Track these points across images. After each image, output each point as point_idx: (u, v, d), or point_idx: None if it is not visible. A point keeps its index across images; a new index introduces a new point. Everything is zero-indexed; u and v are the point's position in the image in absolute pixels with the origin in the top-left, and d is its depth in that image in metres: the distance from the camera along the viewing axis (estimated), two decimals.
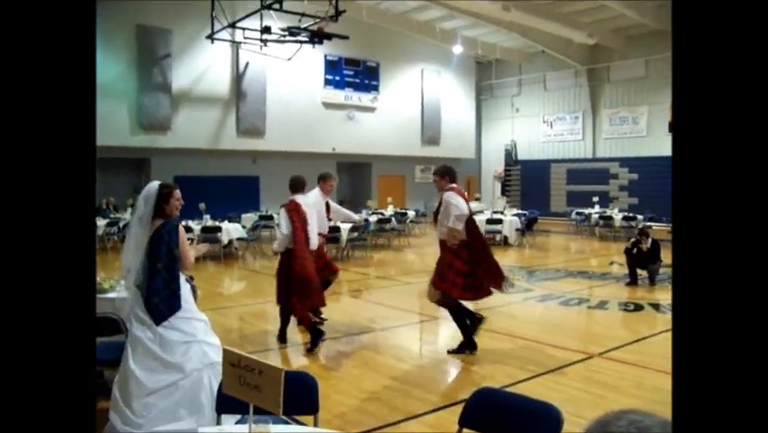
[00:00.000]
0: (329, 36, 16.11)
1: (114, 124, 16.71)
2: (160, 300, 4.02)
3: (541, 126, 26.30)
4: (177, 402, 3.91)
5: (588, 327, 8.15)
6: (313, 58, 20.21)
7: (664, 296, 9.42)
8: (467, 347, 6.32)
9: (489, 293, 6.31)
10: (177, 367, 3.99)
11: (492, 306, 9.12)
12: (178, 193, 4.25)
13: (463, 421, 2.81)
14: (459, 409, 2.88)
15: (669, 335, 7.10)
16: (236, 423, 3.06)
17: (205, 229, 13.34)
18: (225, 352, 2.10)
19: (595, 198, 20.12)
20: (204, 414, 3.86)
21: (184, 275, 4.26)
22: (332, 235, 12.73)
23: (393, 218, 16.67)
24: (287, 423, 3.43)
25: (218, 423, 2.88)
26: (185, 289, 4.23)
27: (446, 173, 6.43)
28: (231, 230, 13.92)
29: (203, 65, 18.73)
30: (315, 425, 2.86)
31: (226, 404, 2.83)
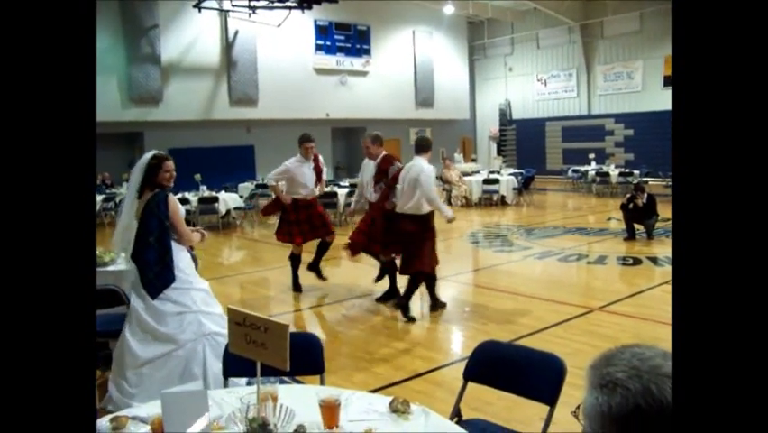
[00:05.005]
0: (318, 0, 15.91)
1: (105, 99, 16.49)
2: (154, 275, 4.03)
3: (535, 85, 26.09)
4: (169, 373, 3.97)
5: (587, 282, 8.22)
6: (302, 23, 19.93)
7: (662, 249, 9.47)
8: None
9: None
10: (169, 338, 4.04)
11: (492, 264, 9.19)
12: (169, 165, 4.20)
13: (468, 375, 2.84)
14: (463, 365, 2.91)
15: (667, 287, 7.18)
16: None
17: (202, 200, 13.33)
18: (230, 311, 2.11)
19: (591, 155, 20.07)
20: (196, 385, 3.88)
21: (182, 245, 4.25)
22: (329, 201, 12.73)
23: None
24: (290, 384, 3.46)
25: (225, 386, 2.91)
26: (185, 258, 4.22)
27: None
28: (228, 200, 13.90)
29: (191, 35, 18.44)
30: (321, 385, 2.89)
31: (233, 368, 2.86)
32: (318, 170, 7.27)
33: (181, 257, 4.18)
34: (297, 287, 7.45)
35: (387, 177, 6.54)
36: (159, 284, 4.04)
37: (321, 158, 7.52)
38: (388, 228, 6.39)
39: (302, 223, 7.18)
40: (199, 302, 4.16)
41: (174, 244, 4.13)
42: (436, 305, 6.52)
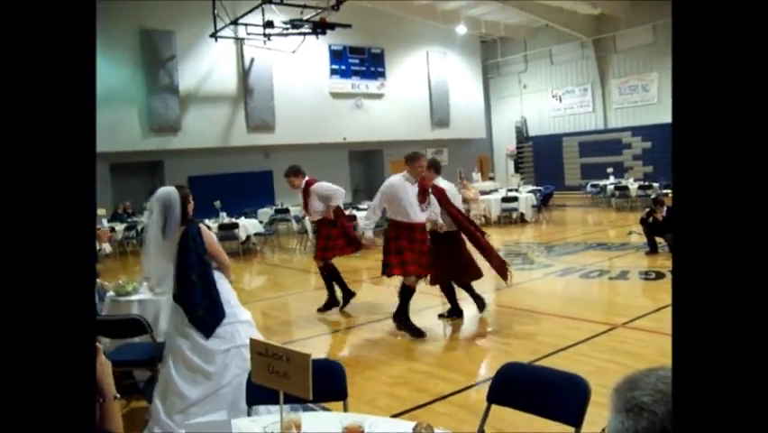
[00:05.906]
0: (332, 26, 16.09)
1: (126, 129, 16.86)
2: (204, 312, 3.95)
3: (550, 101, 26.09)
4: (216, 409, 3.88)
5: (610, 298, 8.14)
6: (317, 49, 20.17)
7: None
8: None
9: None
10: (218, 376, 3.95)
11: (513, 283, 9.12)
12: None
13: (491, 398, 2.83)
14: (486, 386, 2.89)
15: None
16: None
17: (222, 227, 13.42)
18: (252, 342, 2.13)
19: (609, 170, 19.96)
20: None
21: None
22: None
23: None
24: (314, 411, 3.46)
25: (249, 414, 2.92)
26: (226, 287, 4.16)
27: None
28: (248, 226, 13.99)
29: (208, 64, 18.75)
30: (345, 411, 2.89)
31: (257, 395, 2.87)
32: (305, 202, 7.63)
33: (224, 288, 4.11)
34: (347, 294, 7.76)
35: (429, 196, 6.48)
36: (211, 321, 3.96)
37: (319, 186, 7.51)
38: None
39: (320, 239, 7.79)
40: (243, 335, 4.06)
41: (215, 274, 4.08)
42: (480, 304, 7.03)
